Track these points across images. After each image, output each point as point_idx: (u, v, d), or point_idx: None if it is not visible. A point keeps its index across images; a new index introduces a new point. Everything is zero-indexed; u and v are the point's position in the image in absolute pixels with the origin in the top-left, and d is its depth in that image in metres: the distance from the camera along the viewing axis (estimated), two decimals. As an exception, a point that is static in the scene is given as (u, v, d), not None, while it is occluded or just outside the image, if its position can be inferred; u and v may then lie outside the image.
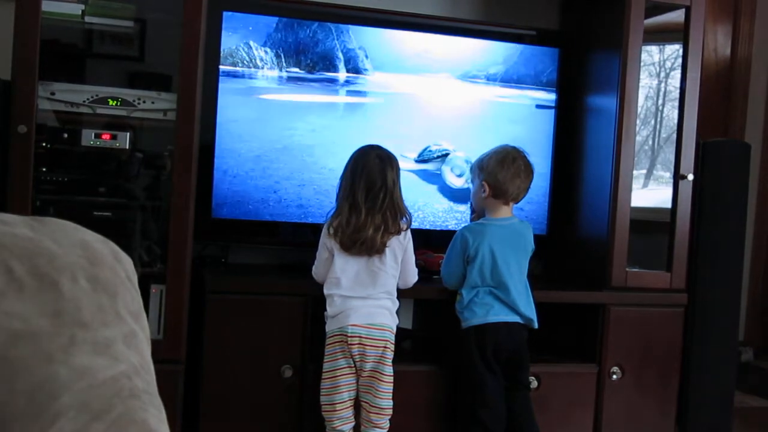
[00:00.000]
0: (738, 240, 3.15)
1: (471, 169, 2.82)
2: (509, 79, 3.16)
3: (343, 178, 2.57)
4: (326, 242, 2.54)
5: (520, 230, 2.72)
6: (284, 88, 2.95)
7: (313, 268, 2.60)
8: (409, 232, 2.58)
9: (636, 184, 3.03)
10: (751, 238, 4.16)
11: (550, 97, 3.21)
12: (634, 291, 2.97)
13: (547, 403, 2.83)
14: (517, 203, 2.75)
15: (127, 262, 0.82)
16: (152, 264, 2.61)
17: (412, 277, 2.63)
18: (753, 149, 3.30)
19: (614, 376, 2.94)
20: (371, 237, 2.47)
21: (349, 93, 3.03)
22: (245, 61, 2.90)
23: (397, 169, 2.56)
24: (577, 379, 2.92)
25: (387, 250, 2.51)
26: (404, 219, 2.55)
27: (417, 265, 2.66)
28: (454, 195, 3.12)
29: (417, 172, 3.07)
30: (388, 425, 2.49)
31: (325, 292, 2.52)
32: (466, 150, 3.10)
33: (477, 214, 2.82)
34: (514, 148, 2.72)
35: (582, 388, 2.91)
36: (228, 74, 2.88)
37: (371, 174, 2.50)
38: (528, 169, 2.70)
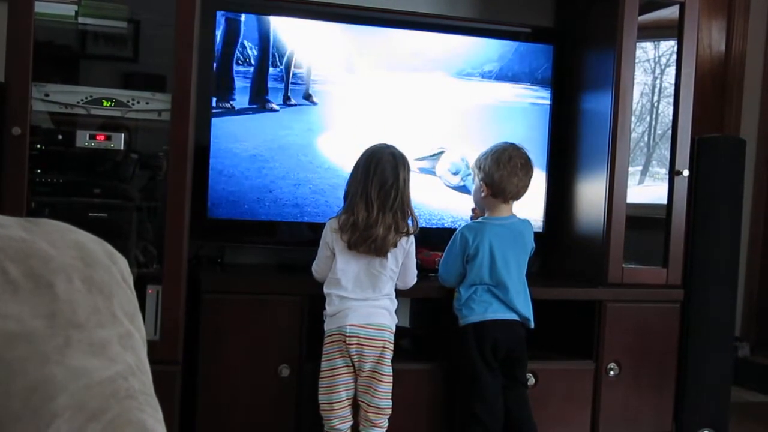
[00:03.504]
0: (734, 235, 3.16)
1: (471, 167, 2.82)
2: (504, 77, 3.16)
3: (353, 175, 2.54)
4: (328, 240, 2.52)
5: (519, 229, 2.72)
6: (279, 86, 2.94)
7: (313, 265, 2.59)
8: (412, 235, 2.57)
9: (632, 181, 3.04)
10: (747, 234, 4.17)
11: (545, 94, 3.21)
12: (630, 287, 2.97)
13: (545, 400, 2.84)
14: (517, 200, 2.74)
15: (122, 262, 0.82)
16: (148, 265, 2.61)
17: (412, 279, 2.62)
18: (748, 145, 3.31)
19: (611, 373, 2.94)
20: (382, 236, 2.45)
21: (344, 91, 3.02)
22: (239, 61, 2.90)
23: (409, 168, 2.55)
24: (574, 376, 2.92)
25: (389, 253, 2.50)
26: (410, 220, 2.54)
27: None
28: (450, 193, 3.12)
29: (412, 170, 3.05)
30: (387, 425, 2.49)
31: (325, 290, 2.52)
32: (462, 148, 3.11)
33: (478, 212, 2.82)
34: (512, 145, 2.71)
35: (579, 384, 2.92)
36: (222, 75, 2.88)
37: (385, 171, 2.48)
38: (526, 167, 2.69)
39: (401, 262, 2.55)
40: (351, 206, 2.49)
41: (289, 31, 2.95)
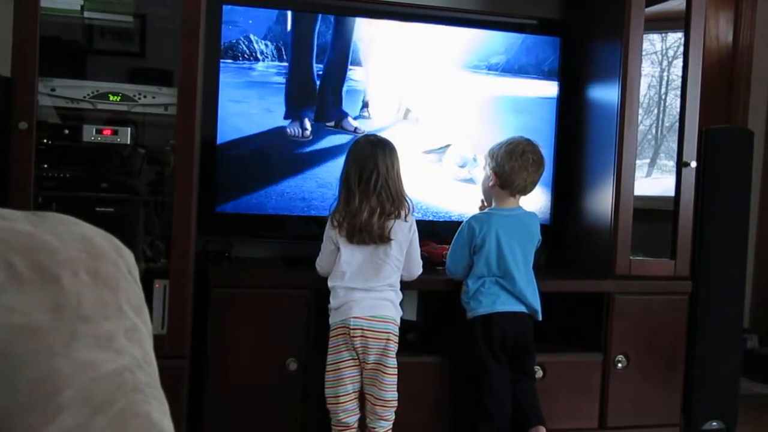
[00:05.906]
0: (742, 226, 3.14)
1: (484, 155, 2.82)
2: (511, 69, 3.15)
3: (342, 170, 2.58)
4: (331, 235, 2.54)
5: (526, 220, 2.72)
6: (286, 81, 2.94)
7: (317, 260, 2.60)
8: (414, 223, 2.57)
9: (639, 173, 3.03)
10: (755, 225, 4.15)
11: (552, 86, 3.20)
12: (638, 279, 2.97)
13: (553, 393, 2.83)
14: (524, 195, 2.74)
15: (129, 256, 0.82)
16: (156, 259, 2.61)
17: (417, 268, 2.63)
18: (756, 136, 3.29)
19: (619, 365, 2.94)
20: (367, 221, 2.46)
21: (350, 85, 3.02)
22: (246, 55, 2.89)
23: (391, 153, 2.54)
24: (582, 368, 2.91)
25: (393, 242, 2.50)
26: (403, 206, 2.54)
27: (420, 257, 2.65)
28: (456, 186, 3.12)
29: (419, 163, 3.06)
30: (394, 417, 2.49)
31: (329, 284, 2.52)
32: (468, 140, 3.10)
33: (486, 205, 2.82)
34: (527, 140, 2.71)
35: (587, 377, 2.91)
36: (229, 68, 2.88)
37: (361, 158, 2.51)
38: (537, 163, 2.69)
39: (405, 250, 2.55)
40: (339, 199, 2.54)
41: (294, 25, 2.94)
